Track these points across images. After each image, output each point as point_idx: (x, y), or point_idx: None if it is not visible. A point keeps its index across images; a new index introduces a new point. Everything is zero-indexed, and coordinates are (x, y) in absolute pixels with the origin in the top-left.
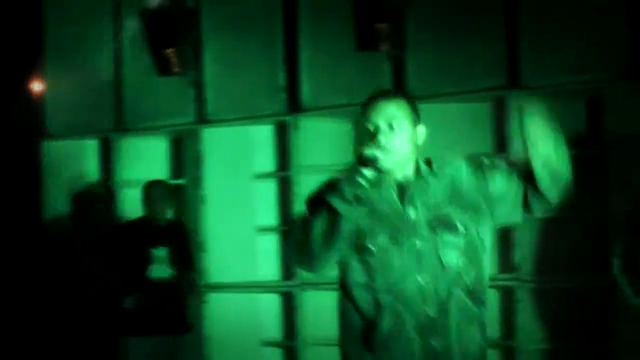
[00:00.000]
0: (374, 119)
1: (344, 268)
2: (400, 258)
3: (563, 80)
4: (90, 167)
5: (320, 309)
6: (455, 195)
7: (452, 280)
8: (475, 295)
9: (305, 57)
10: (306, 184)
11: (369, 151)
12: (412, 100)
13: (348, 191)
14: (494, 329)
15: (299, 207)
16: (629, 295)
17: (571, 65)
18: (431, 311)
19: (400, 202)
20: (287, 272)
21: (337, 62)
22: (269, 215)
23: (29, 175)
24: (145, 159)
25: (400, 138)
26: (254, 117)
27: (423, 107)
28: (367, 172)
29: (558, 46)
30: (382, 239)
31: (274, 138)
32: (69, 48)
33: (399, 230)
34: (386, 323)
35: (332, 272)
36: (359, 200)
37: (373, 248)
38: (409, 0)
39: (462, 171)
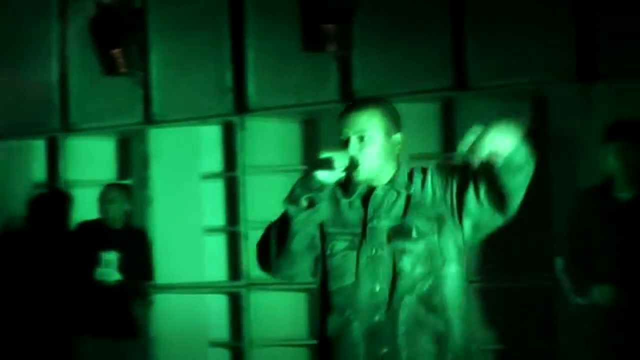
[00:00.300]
0: (344, 131)
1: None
2: (355, 264)
3: (509, 81)
4: (37, 168)
5: (268, 310)
6: (419, 203)
7: (405, 287)
8: (430, 304)
9: (252, 57)
10: (253, 185)
11: (324, 154)
12: (390, 109)
13: (300, 195)
14: None
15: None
16: (571, 294)
17: (517, 67)
18: (380, 318)
19: (365, 212)
20: (235, 272)
21: (284, 63)
22: (216, 215)
23: None
24: (92, 160)
25: (371, 150)
26: (201, 118)
27: None
28: (321, 177)
29: (505, 47)
30: (341, 245)
31: (221, 138)
32: (15, 47)
33: (357, 238)
34: (332, 325)
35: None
36: (312, 204)
37: (330, 252)
38: (356, 0)
39: (430, 180)
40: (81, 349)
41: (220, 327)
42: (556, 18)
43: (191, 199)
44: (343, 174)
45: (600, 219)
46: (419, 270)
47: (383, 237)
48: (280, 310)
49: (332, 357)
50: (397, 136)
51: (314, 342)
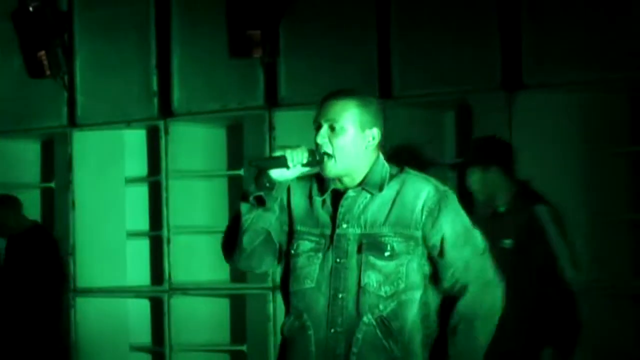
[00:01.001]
0: (317, 118)
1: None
2: (318, 269)
3: (434, 90)
4: None
5: (190, 315)
6: (399, 219)
7: (367, 305)
8: (390, 328)
9: (177, 62)
10: (177, 189)
11: (278, 151)
12: (369, 102)
13: (251, 193)
14: None
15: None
16: None
17: (442, 75)
18: (335, 331)
19: (334, 213)
20: (157, 277)
21: (210, 68)
22: (139, 220)
23: None
24: (17, 162)
25: (341, 141)
26: (126, 122)
27: (295, 114)
28: (274, 175)
29: (430, 56)
30: (307, 245)
31: (145, 143)
32: None
33: (324, 240)
34: (288, 327)
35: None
36: (262, 203)
37: (294, 251)
38: (283, 7)
39: (421, 199)
40: None
41: (142, 332)
42: (482, 27)
43: (114, 203)
44: (301, 171)
45: None
46: (384, 289)
47: (352, 246)
48: (202, 316)
49: (286, 357)
50: (373, 131)
51: (235, 347)
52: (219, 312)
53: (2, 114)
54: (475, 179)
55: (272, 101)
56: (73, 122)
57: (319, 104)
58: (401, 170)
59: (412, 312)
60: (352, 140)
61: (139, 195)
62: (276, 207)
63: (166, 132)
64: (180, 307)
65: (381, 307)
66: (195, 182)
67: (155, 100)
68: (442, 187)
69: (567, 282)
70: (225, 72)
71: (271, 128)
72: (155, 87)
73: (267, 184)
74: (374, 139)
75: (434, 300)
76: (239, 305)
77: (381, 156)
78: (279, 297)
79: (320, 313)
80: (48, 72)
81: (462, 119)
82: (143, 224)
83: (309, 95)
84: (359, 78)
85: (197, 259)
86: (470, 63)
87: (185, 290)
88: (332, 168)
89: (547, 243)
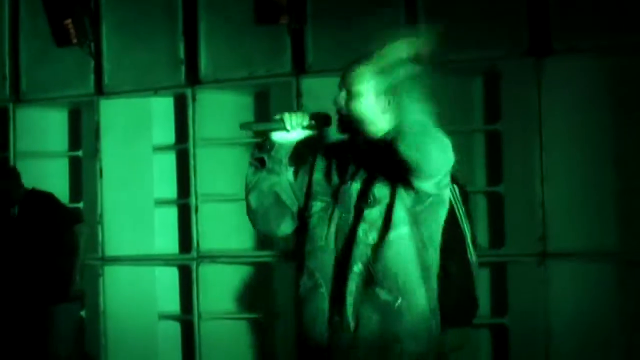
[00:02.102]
0: (339, 84)
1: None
2: (326, 227)
3: (462, 56)
4: None
5: (218, 282)
6: (381, 166)
7: (357, 255)
8: (373, 275)
9: (204, 29)
10: (205, 157)
11: (278, 115)
12: (388, 69)
13: (253, 156)
14: None
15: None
16: None
17: (470, 41)
18: (338, 284)
19: (344, 172)
20: (185, 245)
21: (237, 35)
22: (167, 188)
23: None
24: (43, 130)
25: (357, 105)
26: (153, 89)
27: (322, 81)
28: (275, 137)
29: (458, 21)
30: (318, 205)
31: (173, 110)
32: None
33: (333, 200)
34: (302, 287)
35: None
36: (263, 164)
37: (308, 212)
38: None
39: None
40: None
41: (170, 300)
42: None
43: (142, 171)
44: (303, 134)
45: None
46: (371, 237)
47: (352, 201)
48: (230, 283)
49: (301, 318)
50: (390, 98)
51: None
52: (247, 279)
53: (30, 83)
54: None
55: (300, 68)
56: (100, 90)
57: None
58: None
59: (403, 250)
60: (367, 104)
61: (167, 163)
62: (282, 169)
63: (193, 100)
64: (209, 275)
65: (369, 254)
66: (222, 149)
67: (183, 68)
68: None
69: (471, 262)
70: (252, 39)
71: (298, 95)
72: (182, 54)
73: (268, 146)
74: (389, 104)
75: (427, 229)
76: (266, 272)
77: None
78: None
79: (329, 271)
80: (75, 41)
81: (491, 85)
82: (171, 191)
83: (336, 62)
84: (386, 44)
85: (225, 226)
86: (498, 29)
87: (213, 257)
88: (345, 127)
89: (457, 223)
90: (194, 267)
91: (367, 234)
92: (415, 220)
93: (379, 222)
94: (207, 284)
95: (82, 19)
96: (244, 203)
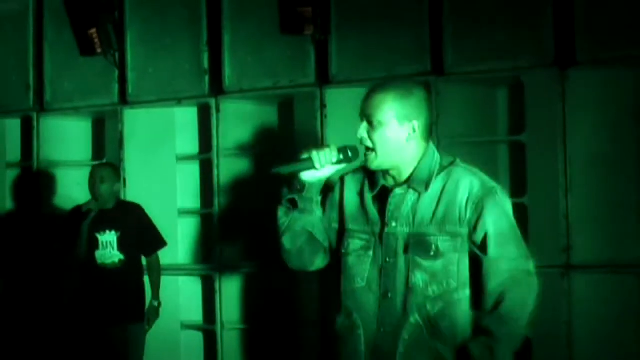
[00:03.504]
0: (360, 113)
1: None
2: (368, 268)
3: (487, 67)
4: (12, 147)
5: (240, 293)
6: (446, 215)
7: (415, 305)
8: (437, 328)
9: (229, 39)
10: (228, 167)
11: (306, 153)
12: (408, 93)
13: (284, 196)
14: None
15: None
16: None
17: (495, 52)
18: (384, 330)
19: (381, 211)
20: (208, 255)
21: (261, 45)
22: (190, 198)
23: None
24: (67, 140)
25: (380, 135)
26: (177, 99)
27: (347, 92)
28: (305, 177)
29: (482, 32)
30: (357, 244)
31: (196, 120)
32: None
33: (374, 239)
34: (340, 325)
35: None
36: (295, 205)
37: (345, 250)
38: None
39: (466, 193)
40: (84, 339)
41: (193, 310)
42: (535, 3)
43: (165, 181)
44: (334, 170)
45: None
46: (432, 289)
47: (400, 245)
48: (251, 294)
49: (338, 355)
50: (413, 124)
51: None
52: (269, 289)
53: (54, 92)
54: None
55: (324, 78)
56: (124, 99)
57: (363, 99)
58: (451, 163)
59: (463, 311)
60: (391, 133)
61: (190, 173)
62: (314, 208)
63: (217, 110)
64: (231, 285)
65: (429, 307)
66: (246, 160)
67: (207, 78)
68: (489, 183)
69: None
70: (277, 49)
71: (322, 106)
72: (206, 64)
73: (298, 187)
74: (414, 131)
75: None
76: (289, 282)
77: (432, 147)
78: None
79: (370, 312)
80: (99, 50)
81: (515, 96)
82: (194, 201)
83: (361, 73)
84: (411, 55)
85: (248, 236)
86: (523, 39)
87: (235, 268)
88: (374, 161)
89: None
90: (216, 277)
91: (427, 286)
92: (471, 282)
93: (443, 277)
94: (230, 294)
95: (106, 29)
96: (263, 214)
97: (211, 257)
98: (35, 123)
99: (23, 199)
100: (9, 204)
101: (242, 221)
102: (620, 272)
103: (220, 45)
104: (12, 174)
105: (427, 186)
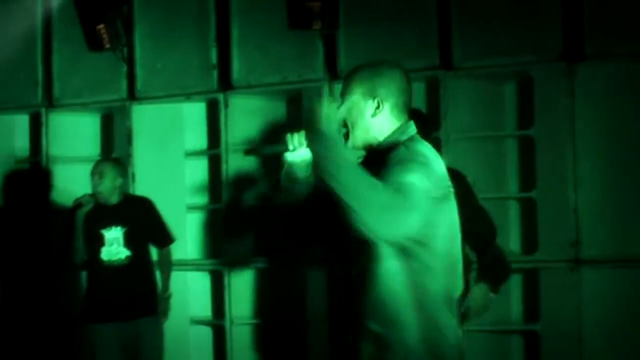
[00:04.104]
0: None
1: None
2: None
3: (495, 61)
4: (20, 143)
5: (249, 288)
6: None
7: (355, 284)
8: (365, 304)
9: (237, 34)
10: (236, 162)
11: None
12: (374, 71)
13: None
14: None
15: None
16: None
17: (503, 47)
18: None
19: None
20: (217, 250)
21: (269, 40)
22: (199, 193)
23: None
24: (76, 135)
25: (350, 113)
26: (185, 95)
27: None
28: (288, 157)
29: (491, 27)
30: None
31: (205, 116)
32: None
33: None
34: None
35: None
36: (278, 184)
37: None
38: None
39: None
40: (97, 337)
41: (201, 305)
42: None
43: (174, 176)
44: (308, 152)
45: None
46: (355, 270)
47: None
48: (260, 289)
49: None
50: (379, 100)
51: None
52: (278, 284)
53: (62, 88)
54: None
55: (332, 73)
56: (132, 95)
57: None
58: (410, 139)
59: (392, 283)
60: (356, 110)
61: (199, 168)
62: (296, 186)
63: (226, 105)
64: (241, 280)
65: (357, 288)
66: (254, 155)
67: (215, 73)
68: (414, 154)
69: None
70: (285, 44)
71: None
72: (214, 60)
73: (287, 166)
74: (379, 107)
75: (421, 258)
76: (299, 278)
77: (404, 127)
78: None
79: None
80: (107, 45)
81: (523, 90)
82: (202, 197)
83: None
84: (419, 49)
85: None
86: (531, 34)
87: (244, 262)
88: (349, 140)
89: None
90: (225, 272)
91: (355, 267)
92: (406, 253)
93: (363, 255)
94: (239, 289)
95: (114, 24)
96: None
97: (220, 252)
98: (43, 119)
99: (31, 195)
100: (17, 200)
101: (250, 216)
102: (630, 266)
103: (229, 40)
104: (20, 170)
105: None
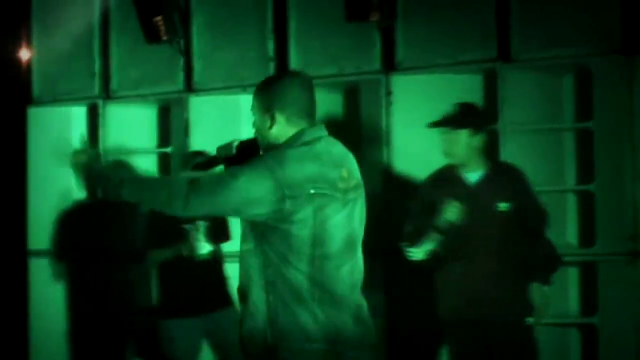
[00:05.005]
0: None
1: None
2: None
3: (553, 53)
4: (77, 135)
5: None
6: None
7: None
8: (239, 284)
9: (294, 26)
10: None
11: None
12: (266, 87)
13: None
14: None
15: None
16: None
17: (562, 39)
18: None
19: None
20: None
21: (326, 32)
22: None
23: (15, 141)
24: (133, 127)
25: (255, 127)
26: (242, 86)
27: (412, 78)
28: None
29: (549, 19)
30: None
31: None
32: (57, 14)
33: None
34: None
35: None
36: None
37: None
38: None
39: None
40: (176, 331)
41: None
42: None
43: None
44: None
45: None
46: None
47: None
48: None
49: None
50: (271, 113)
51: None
52: None
53: (120, 80)
54: (462, 143)
55: (389, 65)
56: (190, 87)
57: None
58: (289, 145)
59: (251, 262)
60: (259, 124)
61: None
62: None
63: None
64: None
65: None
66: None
67: (272, 65)
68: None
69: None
70: (342, 36)
71: (388, 93)
72: (271, 52)
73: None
74: (273, 119)
75: (272, 247)
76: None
77: (298, 134)
78: None
79: None
80: (164, 37)
81: (582, 83)
82: None
83: (426, 59)
84: (477, 41)
85: None
86: (590, 26)
87: None
88: (260, 146)
89: (534, 202)
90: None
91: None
92: (263, 237)
93: (241, 234)
94: None
95: (172, 16)
96: None
97: None
98: (100, 110)
99: (89, 187)
100: (76, 192)
101: None
102: None
103: (286, 32)
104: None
105: None
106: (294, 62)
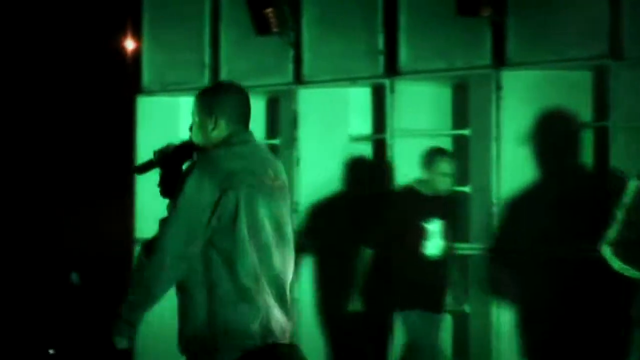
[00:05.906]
0: None
1: None
2: None
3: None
4: (184, 125)
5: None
6: None
7: None
8: (180, 284)
9: (404, 20)
10: (401, 148)
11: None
12: (208, 93)
13: None
14: None
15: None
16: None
17: None
18: None
19: None
20: None
21: (436, 27)
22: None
23: (124, 130)
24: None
25: (194, 125)
26: (351, 79)
27: (523, 74)
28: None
29: None
30: None
31: (370, 101)
32: (167, 5)
33: None
34: None
35: None
36: None
37: None
38: None
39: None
40: (408, 322)
41: None
42: None
43: (338, 161)
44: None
45: None
46: None
47: None
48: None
49: None
50: (213, 118)
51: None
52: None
53: (229, 71)
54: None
55: (500, 61)
56: (299, 79)
57: None
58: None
59: (194, 264)
60: (198, 127)
61: (363, 153)
62: None
63: (392, 91)
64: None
65: None
66: (419, 141)
67: (381, 59)
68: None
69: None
70: (452, 30)
71: (498, 88)
72: (381, 45)
73: None
74: (216, 123)
75: (219, 255)
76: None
77: (228, 134)
78: None
79: None
80: (275, 29)
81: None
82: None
83: (537, 55)
84: (588, 38)
85: None
86: None
87: None
88: (197, 144)
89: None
90: None
91: None
92: (209, 243)
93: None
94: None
95: (282, 8)
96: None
97: None
98: None
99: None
100: None
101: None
102: None
103: (395, 26)
104: None
105: None
106: (404, 55)
